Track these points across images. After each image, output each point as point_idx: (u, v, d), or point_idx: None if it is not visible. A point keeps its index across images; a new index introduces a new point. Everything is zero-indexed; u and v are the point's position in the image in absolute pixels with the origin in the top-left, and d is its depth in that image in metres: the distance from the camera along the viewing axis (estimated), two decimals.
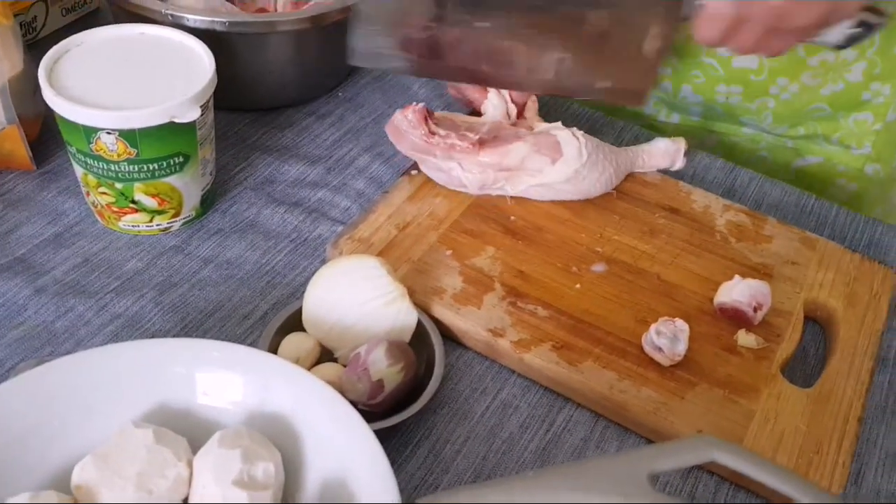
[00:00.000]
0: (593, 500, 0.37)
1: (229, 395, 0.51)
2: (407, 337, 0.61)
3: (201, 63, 0.67)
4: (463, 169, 0.71)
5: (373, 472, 0.47)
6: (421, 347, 0.61)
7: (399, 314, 0.60)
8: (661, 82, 0.77)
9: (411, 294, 0.63)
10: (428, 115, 0.72)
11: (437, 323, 0.63)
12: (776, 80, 0.87)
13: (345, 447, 0.49)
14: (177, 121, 0.62)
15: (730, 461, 0.39)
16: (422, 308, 0.64)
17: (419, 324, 0.61)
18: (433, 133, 0.71)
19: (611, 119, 0.89)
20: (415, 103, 0.72)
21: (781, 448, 0.57)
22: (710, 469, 0.59)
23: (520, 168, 0.72)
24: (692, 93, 0.93)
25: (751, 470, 0.39)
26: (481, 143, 0.71)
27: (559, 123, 0.75)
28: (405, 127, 0.72)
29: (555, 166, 0.72)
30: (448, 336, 0.64)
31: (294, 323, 0.61)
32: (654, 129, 0.90)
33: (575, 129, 0.74)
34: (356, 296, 0.60)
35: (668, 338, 0.61)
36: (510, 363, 0.63)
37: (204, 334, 0.63)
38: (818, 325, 0.69)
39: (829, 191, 0.93)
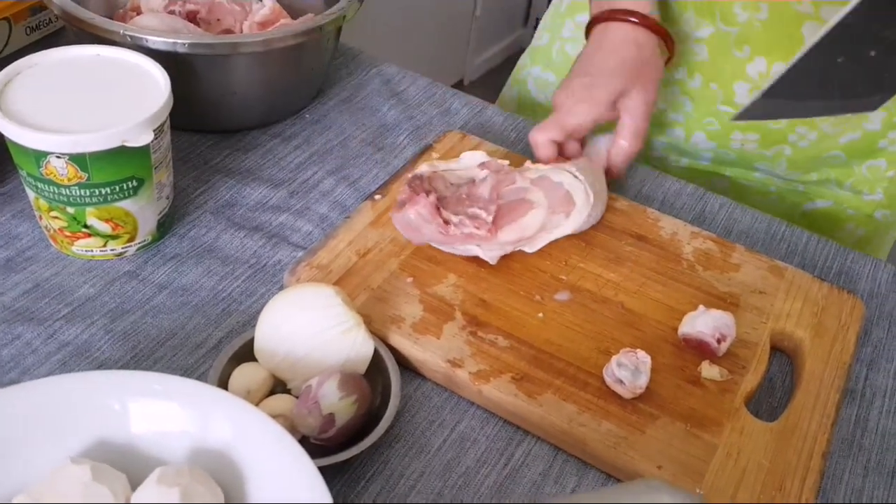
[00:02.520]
0: None
1: (170, 429, 0.50)
2: (363, 367, 0.59)
3: (157, 85, 0.65)
4: (483, 249, 0.68)
5: None
6: (377, 378, 0.59)
7: (355, 344, 0.59)
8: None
9: (368, 323, 0.62)
10: (437, 201, 0.68)
11: (395, 352, 0.62)
12: (795, 128, 0.86)
13: (287, 483, 0.47)
14: (128, 145, 0.61)
15: None
16: (379, 337, 0.62)
17: (376, 353, 0.60)
18: (448, 222, 0.67)
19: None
20: (424, 194, 0.68)
21: (743, 485, 0.56)
22: None
23: (538, 231, 0.70)
24: (705, 139, 0.91)
25: None
26: (496, 221, 0.68)
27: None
28: (418, 224, 0.67)
29: (570, 218, 0.71)
30: (406, 366, 0.63)
31: (247, 353, 0.59)
32: (664, 170, 0.89)
33: (567, 166, 0.73)
34: (310, 325, 0.58)
35: (629, 370, 0.60)
36: (469, 395, 0.61)
37: (155, 363, 0.61)
38: (785, 356, 0.68)
39: (837, 234, 0.92)
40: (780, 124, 0.86)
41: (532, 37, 1.06)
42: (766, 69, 0.83)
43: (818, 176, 0.91)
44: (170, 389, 0.49)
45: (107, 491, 0.47)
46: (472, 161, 0.74)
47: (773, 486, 0.56)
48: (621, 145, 0.76)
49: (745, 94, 0.86)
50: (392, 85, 0.93)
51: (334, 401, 0.55)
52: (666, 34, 0.78)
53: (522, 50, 1.08)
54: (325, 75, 0.90)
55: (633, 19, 0.76)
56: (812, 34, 0.80)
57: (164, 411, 0.49)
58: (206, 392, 0.49)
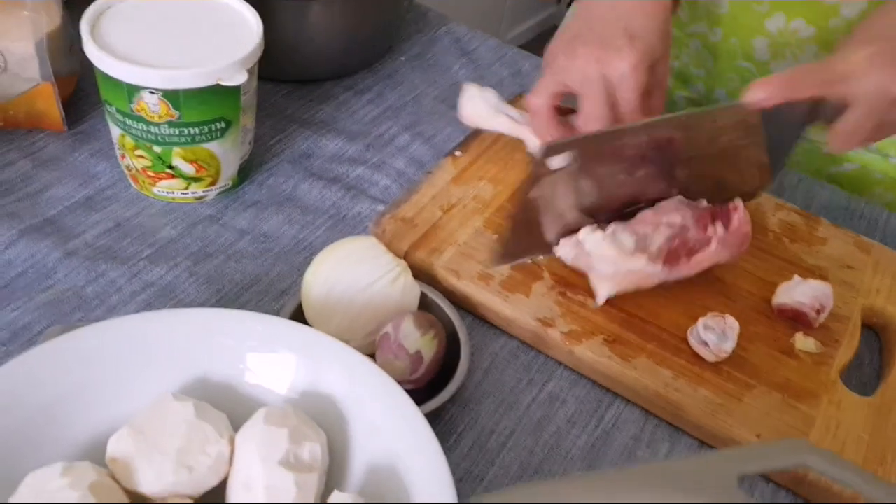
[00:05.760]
0: (682, 500, 0.35)
1: (277, 373, 0.49)
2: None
3: (248, 26, 0.64)
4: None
5: (424, 459, 0.45)
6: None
7: (404, 290, 0.57)
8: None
9: (458, 278, 0.61)
10: None
11: (483, 309, 0.61)
12: None
13: (394, 432, 0.46)
14: (223, 84, 0.60)
15: (824, 467, 0.37)
16: (467, 294, 0.61)
17: (425, 299, 0.58)
18: None
19: None
20: None
21: (844, 457, 0.54)
22: (765, 476, 0.56)
23: None
24: (726, 96, 0.90)
25: (849, 478, 0.37)
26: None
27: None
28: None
29: None
30: (491, 323, 0.62)
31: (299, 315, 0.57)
32: None
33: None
34: (362, 279, 0.56)
35: (716, 333, 0.59)
36: (558, 355, 0.60)
37: (240, 307, 0.60)
38: (872, 332, 0.67)
39: (866, 198, 0.91)
40: None
41: (564, 16, 1.03)
42: (784, 25, 0.81)
43: None
44: (285, 334, 0.48)
45: (211, 429, 0.46)
46: None
47: (875, 460, 0.55)
48: None
49: (764, 50, 0.84)
50: (462, 44, 0.91)
51: (416, 339, 0.54)
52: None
53: (554, 27, 1.06)
54: (397, 30, 0.88)
55: None
56: None
57: (276, 356, 0.48)
58: (319, 339, 0.48)
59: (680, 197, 0.65)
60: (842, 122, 0.60)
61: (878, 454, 0.55)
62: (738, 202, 0.63)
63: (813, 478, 0.54)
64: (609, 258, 0.60)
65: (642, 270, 0.60)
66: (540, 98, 0.65)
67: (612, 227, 0.61)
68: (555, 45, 0.67)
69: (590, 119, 0.63)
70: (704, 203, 0.65)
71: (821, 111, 0.61)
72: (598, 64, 0.62)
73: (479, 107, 0.71)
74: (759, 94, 0.59)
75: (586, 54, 0.63)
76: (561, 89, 0.65)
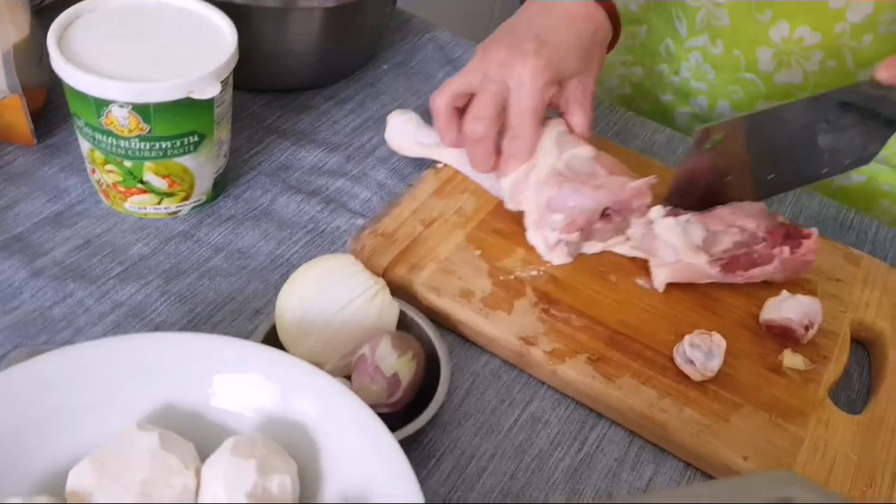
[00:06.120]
0: None
1: (245, 399, 0.47)
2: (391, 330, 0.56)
3: (223, 36, 0.62)
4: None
5: (398, 488, 0.43)
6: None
7: (382, 308, 0.55)
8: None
9: (438, 295, 0.59)
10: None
11: (464, 327, 0.59)
12: None
13: (367, 460, 0.45)
14: (195, 97, 0.58)
15: (809, 500, 0.35)
16: (447, 312, 0.59)
17: (404, 318, 0.56)
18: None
19: (642, 120, 0.85)
20: None
21: (832, 479, 0.53)
22: None
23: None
24: (729, 108, 0.89)
25: None
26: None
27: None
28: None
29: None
30: (472, 342, 0.60)
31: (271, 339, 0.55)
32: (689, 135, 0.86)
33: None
34: (338, 298, 0.54)
35: (702, 351, 0.57)
36: (541, 374, 0.59)
37: (213, 328, 0.59)
38: (861, 347, 0.65)
39: (873, 211, 0.89)
40: (807, 91, 0.83)
41: None
42: (788, 33, 0.80)
43: None
44: (252, 358, 0.46)
45: (177, 460, 0.44)
46: None
47: (863, 481, 0.53)
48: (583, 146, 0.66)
49: (768, 61, 0.83)
50: (447, 51, 0.90)
51: (393, 361, 0.52)
52: (617, 16, 0.70)
53: None
54: (380, 38, 0.87)
55: None
56: None
57: (245, 381, 0.46)
58: (289, 363, 0.46)
59: (762, 205, 0.66)
60: None
61: (866, 475, 0.54)
62: (814, 231, 0.64)
63: None
64: (674, 247, 0.61)
65: (700, 268, 0.61)
66: (441, 97, 0.66)
67: (686, 216, 0.62)
68: (478, 47, 0.68)
69: (472, 118, 0.64)
70: (780, 218, 0.66)
71: None
72: (501, 66, 0.63)
73: (396, 136, 0.72)
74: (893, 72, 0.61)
75: (493, 55, 0.64)
76: (465, 89, 0.66)
